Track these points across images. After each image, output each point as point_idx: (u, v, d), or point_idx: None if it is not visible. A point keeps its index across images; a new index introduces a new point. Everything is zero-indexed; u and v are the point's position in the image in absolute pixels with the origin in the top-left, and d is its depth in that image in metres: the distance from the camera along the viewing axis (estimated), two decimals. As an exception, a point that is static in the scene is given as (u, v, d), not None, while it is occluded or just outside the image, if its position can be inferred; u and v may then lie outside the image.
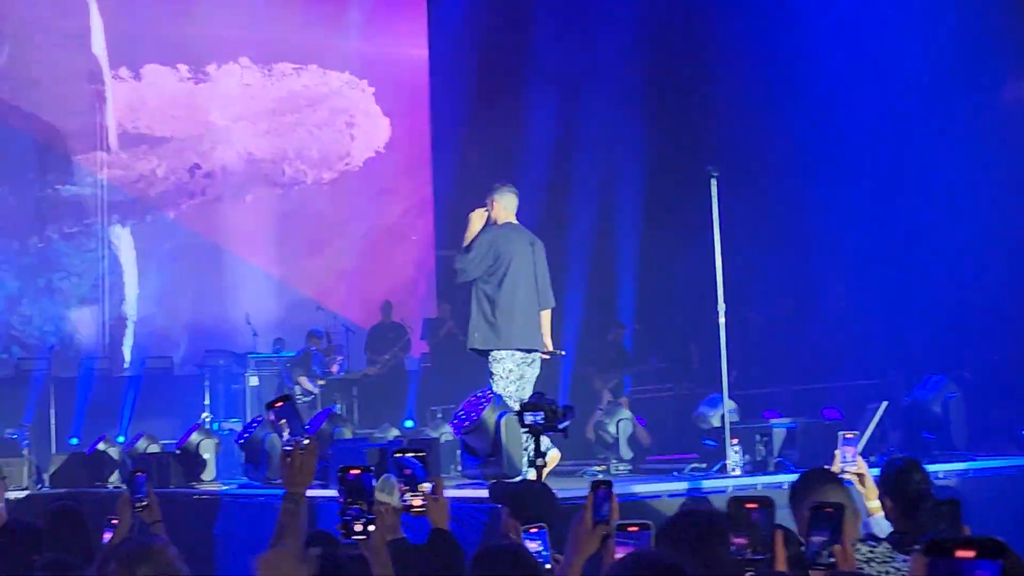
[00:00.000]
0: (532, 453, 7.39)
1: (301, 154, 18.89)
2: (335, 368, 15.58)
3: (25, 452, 14.03)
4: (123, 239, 18.03)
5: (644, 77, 15.25)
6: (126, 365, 17.22)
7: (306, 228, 18.53)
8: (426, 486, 4.16)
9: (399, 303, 17.09)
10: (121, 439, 14.47)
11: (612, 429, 10.95)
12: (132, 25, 18.16)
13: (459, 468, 9.36)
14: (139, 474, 5.47)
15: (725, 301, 8.92)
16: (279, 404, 3.94)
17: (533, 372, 8.98)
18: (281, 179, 18.78)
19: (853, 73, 13.55)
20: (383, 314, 16.42)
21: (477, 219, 8.99)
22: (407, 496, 4.15)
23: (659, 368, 14.55)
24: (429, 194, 18.88)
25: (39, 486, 13.50)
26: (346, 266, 18.36)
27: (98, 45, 18.05)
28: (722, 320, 8.88)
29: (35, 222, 17.63)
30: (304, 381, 15.11)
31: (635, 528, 3.62)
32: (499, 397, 8.66)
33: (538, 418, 7.41)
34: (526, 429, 7.37)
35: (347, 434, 10.89)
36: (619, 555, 3.56)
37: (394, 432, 12.05)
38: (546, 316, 9.11)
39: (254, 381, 16.08)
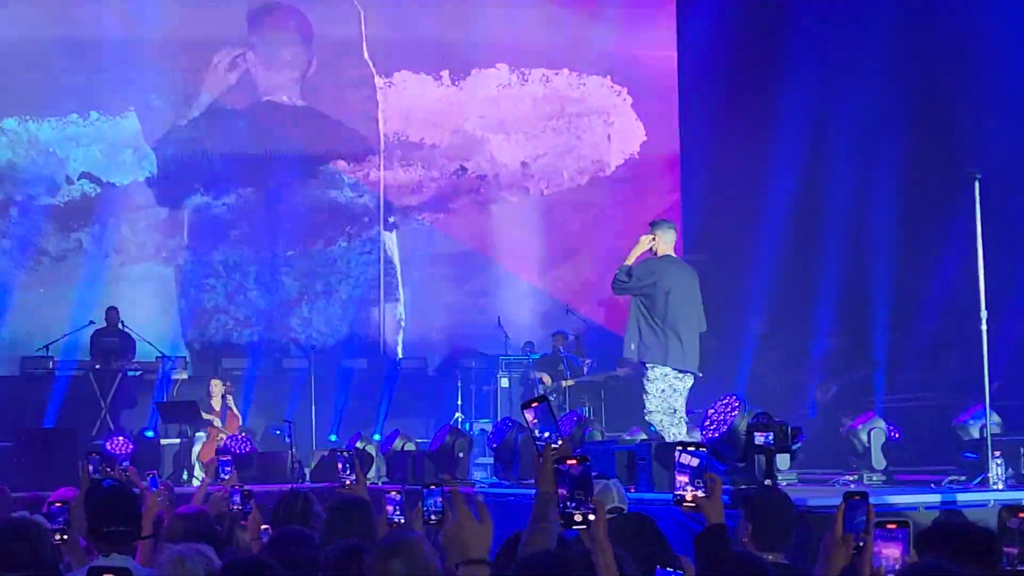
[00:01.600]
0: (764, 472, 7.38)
1: (556, 160, 18.89)
2: (585, 369, 15.65)
3: (289, 447, 14.57)
4: (394, 244, 18.48)
5: (901, 75, 14.76)
6: (399, 367, 17.57)
7: (558, 233, 18.59)
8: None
9: None
10: (377, 437, 14.88)
11: (864, 437, 10.65)
12: (394, 33, 18.49)
13: None
14: (433, 487, 5.15)
15: (987, 308, 8.59)
16: (535, 404, 3.92)
17: (684, 386, 9.87)
18: (536, 185, 18.86)
19: None
20: None
21: (644, 243, 10.00)
22: (685, 491, 4.07)
23: (916, 377, 14.07)
24: (678, 200, 18.72)
25: (300, 480, 14.00)
26: (597, 270, 18.35)
27: (368, 53, 18.62)
28: (984, 327, 8.56)
29: (314, 227, 18.11)
30: (545, 377, 15.22)
31: (894, 525, 3.54)
32: (746, 403, 8.59)
33: (768, 438, 7.39)
34: (755, 449, 7.38)
35: (597, 436, 10.90)
36: (880, 549, 3.49)
37: (642, 436, 12.06)
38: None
39: (504, 383, 16.31)
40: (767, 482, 7.50)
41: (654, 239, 10.01)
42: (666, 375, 9.79)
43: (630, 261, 9.95)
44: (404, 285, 18.40)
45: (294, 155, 18.12)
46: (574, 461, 3.48)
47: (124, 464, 9.16)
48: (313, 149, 18.27)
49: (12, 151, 17.30)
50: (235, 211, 17.93)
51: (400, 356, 17.91)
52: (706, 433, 8.87)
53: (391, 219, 18.43)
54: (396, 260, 18.44)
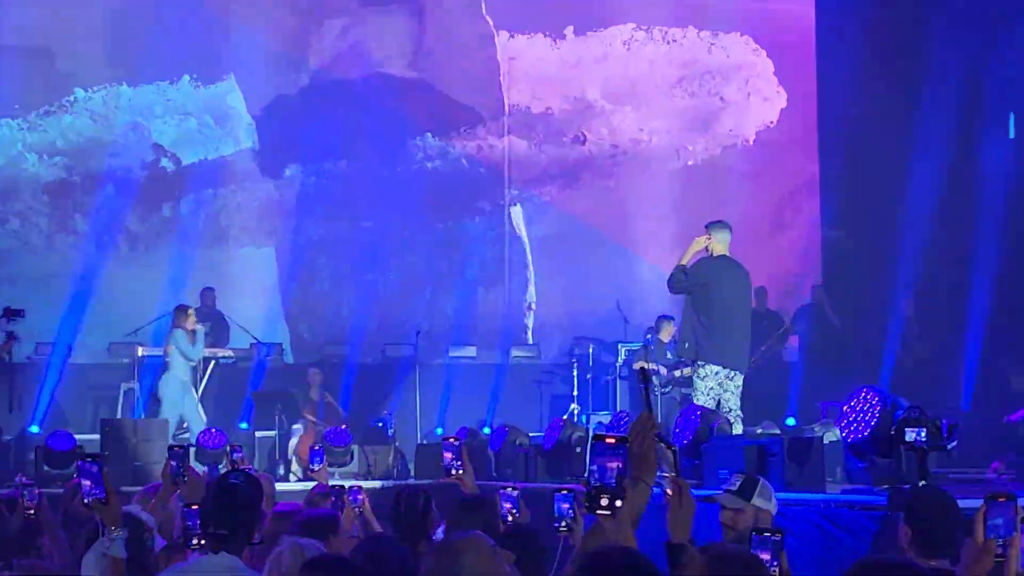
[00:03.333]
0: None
1: (686, 128, 18.71)
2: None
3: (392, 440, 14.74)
4: (519, 219, 18.47)
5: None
6: (511, 354, 17.52)
7: (686, 209, 18.09)
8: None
9: (777, 291, 16.95)
10: (487, 430, 14.91)
11: (1024, 432, 10.51)
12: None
13: (844, 472, 9.47)
14: (564, 492, 5.26)
15: None
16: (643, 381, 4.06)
17: (733, 385, 11.00)
18: (662, 156, 18.64)
19: None
20: (756, 301, 16.24)
21: (698, 243, 11.23)
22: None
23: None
24: (816, 172, 18.43)
25: (406, 476, 14.09)
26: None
27: (487, 13, 18.50)
28: None
29: (431, 203, 18.07)
30: (661, 368, 15.09)
31: None
32: (889, 397, 8.54)
33: (920, 435, 7.36)
34: (907, 447, 7.39)
35: (726, 430, 10.85)
36: None
37: (775, 430, 12.04)
38: None
39: (625, 371, 16.25)
40: (921, 483, 7.47)
41: (709, 240, 11.19)
42: (716, 373, 10.96)
43: (685, 261, 11.20)
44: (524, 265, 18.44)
45: (407, 124, 18.09)
46: (613, 440, 3.51)
47: (238, 455, 9.33)
48: (427, 118, 18.21)
49: (93, 122, 17.46)
50: (345, 187, 17.96)
51: (531, 341, 18.03)
52: (847, 434, 8.83)
53: (514, 192, 18.41)
54: (524, 237, 18.45)
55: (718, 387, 10.98)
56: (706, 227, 11.37)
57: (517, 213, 18.44)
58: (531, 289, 18.38)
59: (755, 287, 16.16)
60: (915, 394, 11.36)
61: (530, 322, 18.31)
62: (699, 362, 11.09)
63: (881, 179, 16.17)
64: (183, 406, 14.46)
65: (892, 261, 15.50)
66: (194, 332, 14.53)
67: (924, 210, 15.29)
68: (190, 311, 14.69)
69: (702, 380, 11.03)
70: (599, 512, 3.51)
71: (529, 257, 18.42)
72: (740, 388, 11.09)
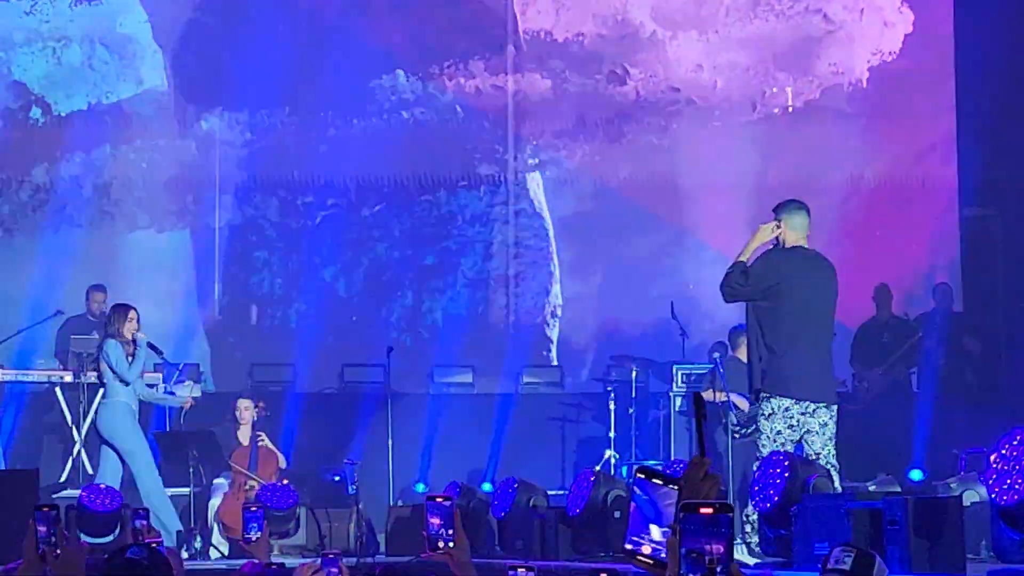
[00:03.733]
0: None
1: (769, 66, 18.69)
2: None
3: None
4: (539, 190, 18.58)
5: None
6: (521, 382, 17.49)
7: (767, 176, 18.26)
8: None
9: (902, 289, 16.94)
10: (487, 487, 14.73)
11: None
12: None
13: (992, 546, 9.57)
14: None
15: None
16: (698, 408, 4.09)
17: (816, 422, 11.09)
18: (735, 104, 18.68)
19: None
20: (877, 305, 16.28)
21: (765, 232, 11.30)
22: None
23: None
24: (953, 125, 18.31)
25: (374, 552, 14.05)
26: (821, 232, 17.98)
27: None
28: None
29: (407, 167, 18.19)
30: (739, 400, 14.84)
31: None
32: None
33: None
34: None
35: (825, 487, 10.72)
36: None
37: (894, 487, 12.11)
38: None
39: (683, 405, 16.14)
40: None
41: (779, 227, 11.19)
42: (786, 410, 11.03)
43: (746, 256, 11.24)
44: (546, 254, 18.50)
45: (375, 56, 18.15)
46: (712, 509, 3.45)
47: (141, 523, 9.27)
48: (403, 47, 18.33)
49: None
50: (289, 145, 18.13)
51: (554, 362, 18.11)
52: (997, 494, 8.83)
53: (528, 153, 18.52)
54: (546, 216, 18.53)
55: (789, 430, 11.03)
56: (774, 211, 11.39)
57: (534, 182, 18.54)
58: (555, 289, 18.45)
59: (876, 286, 16.12)
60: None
61: (554, 335, 18.44)
62: (763, 394, 11.17)
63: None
64: (143, 450, 14.28)
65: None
66: (135, 342, 14.37)
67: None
68: (132, 313, 14.51)
69: (767, 420, 11.12)
70: None
71: (552, 244, 18.52)
72: (829, 426, 11.09)
